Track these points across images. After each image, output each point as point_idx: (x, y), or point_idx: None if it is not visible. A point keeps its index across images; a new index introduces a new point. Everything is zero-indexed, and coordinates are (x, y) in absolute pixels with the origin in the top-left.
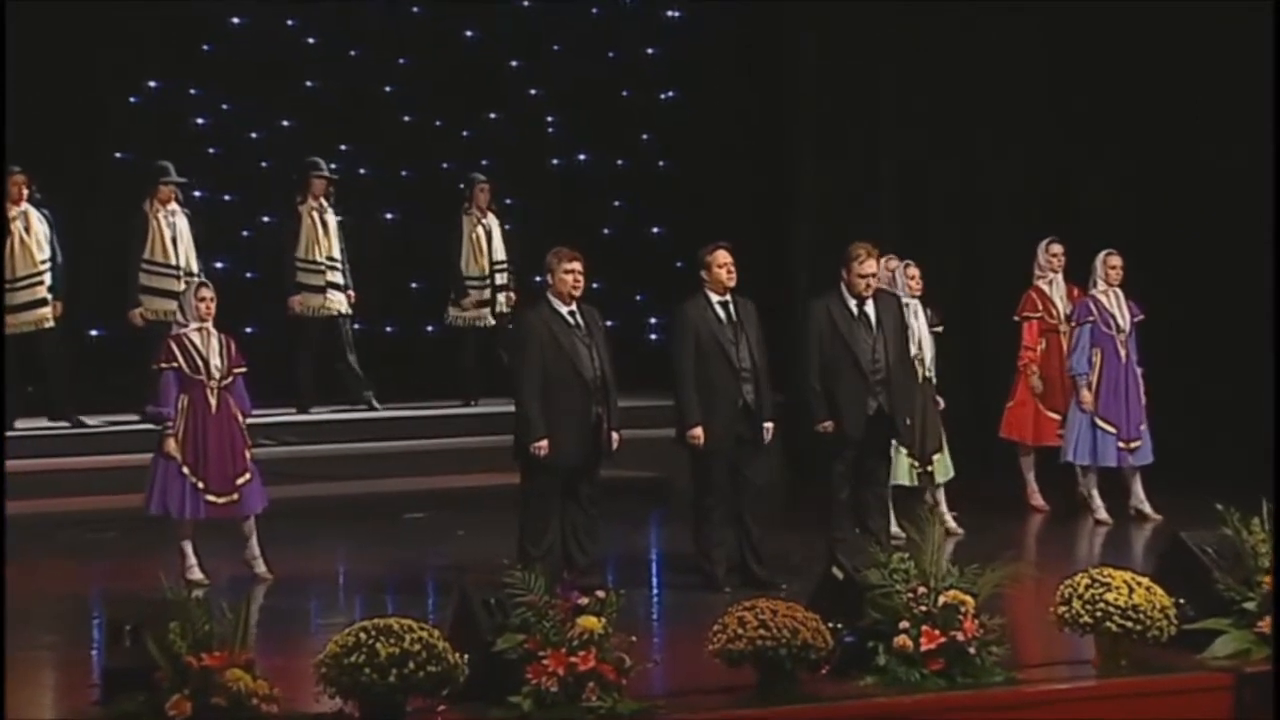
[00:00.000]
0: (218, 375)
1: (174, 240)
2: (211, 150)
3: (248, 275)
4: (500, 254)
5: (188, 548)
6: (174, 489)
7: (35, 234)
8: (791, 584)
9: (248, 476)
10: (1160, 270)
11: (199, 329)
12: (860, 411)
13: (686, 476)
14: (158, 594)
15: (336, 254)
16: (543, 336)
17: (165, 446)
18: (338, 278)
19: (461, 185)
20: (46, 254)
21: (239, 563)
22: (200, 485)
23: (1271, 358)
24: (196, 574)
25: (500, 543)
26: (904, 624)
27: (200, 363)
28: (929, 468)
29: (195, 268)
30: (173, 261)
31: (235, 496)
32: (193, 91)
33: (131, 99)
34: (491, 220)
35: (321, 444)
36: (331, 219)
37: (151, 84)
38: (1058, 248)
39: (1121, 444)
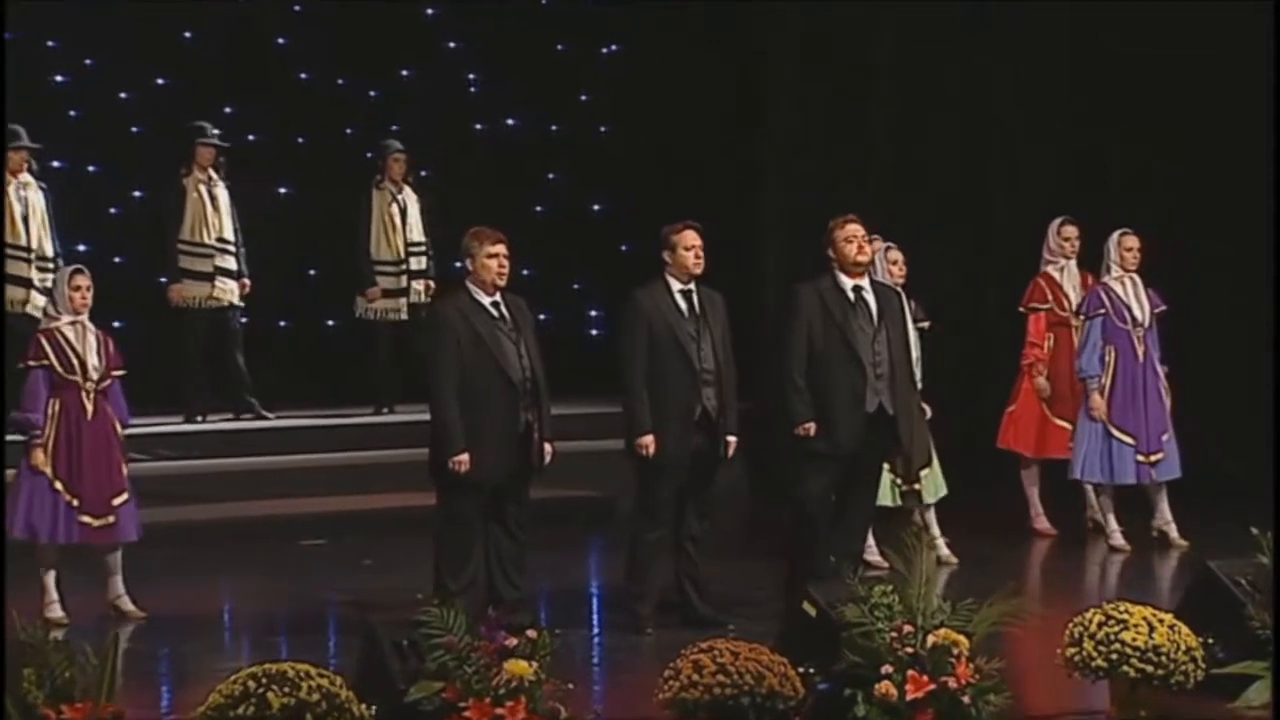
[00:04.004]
0: (95, 376)
1: (25, 218)
2: (73, 113)
3: (116, 260)
4: (417, 234)
5: (49, 580)
6: (43, 508)
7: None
8: (754, 623)
9: (125, 497)
10: (1196, 256)
11: (73, 323)
12: (858, 415)
13: (632, 495)
14: (10, 635)
15: (229, 235)
16: (461, 331)
17: (32, 458)
18: (229, 263)
19: (370, 154)
20: None
21: (101, 605)
22: (74, 504)
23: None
24: (57, 611)
25: (414, 574)
26: (887, 668)
27: (75, 361)
28: (915, 485)
29: (50, 250)
30: (23, 242)
31: (111, 519)
32: (50, 44)
33: None
34: (408, 195)
35: (204, 459)
36: (223, 194)
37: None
38: (1071, 230)
39: (1141, 457)
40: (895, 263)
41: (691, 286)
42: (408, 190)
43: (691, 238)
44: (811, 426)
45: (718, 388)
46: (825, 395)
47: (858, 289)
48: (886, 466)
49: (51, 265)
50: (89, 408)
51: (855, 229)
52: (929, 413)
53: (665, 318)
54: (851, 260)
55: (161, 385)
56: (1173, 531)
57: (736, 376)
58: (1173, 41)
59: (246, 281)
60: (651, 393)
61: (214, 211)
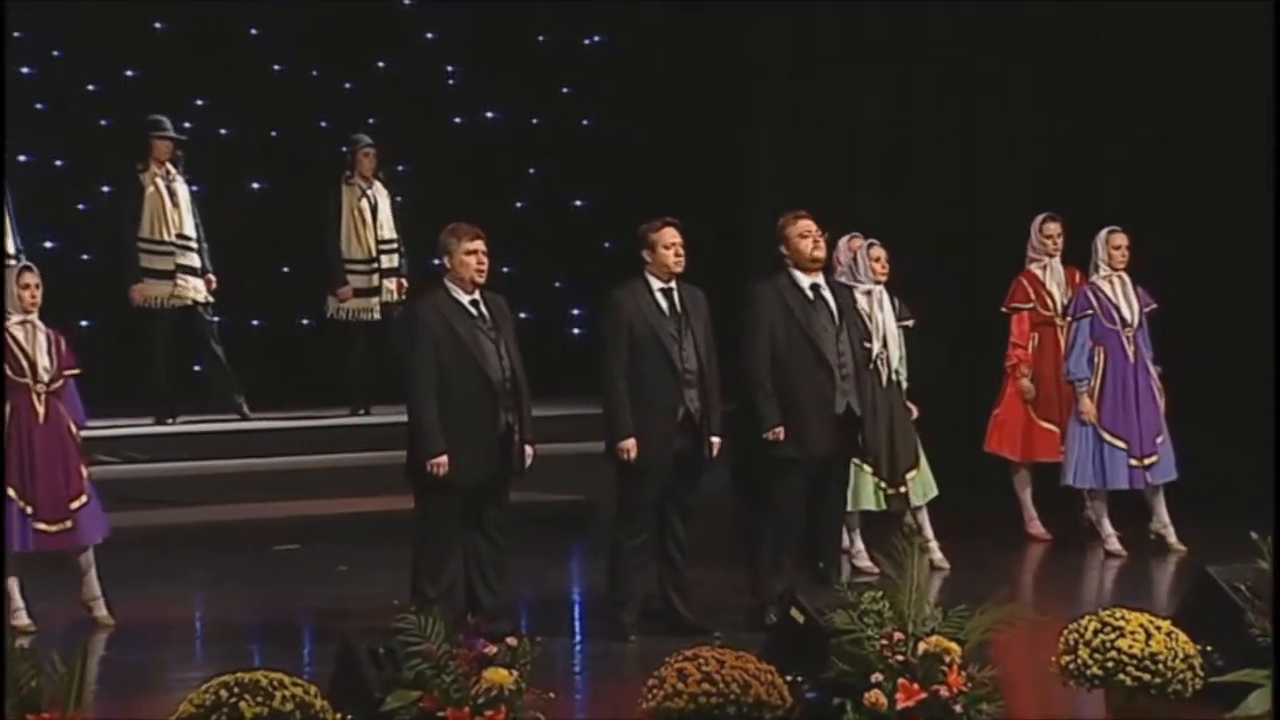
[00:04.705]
0: (46, 378)
1: None
2: (40, 106)
3: (83, 257)
4: (388, 231)
5: (12, 586)
6: None
7: None
8: (739, 630)
9: (84, 499)
10: (1196, 254)
11: (22, 322)
12: (827, 417)
13: (614, 500)
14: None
15: (190, 231)
16: (439, 330)
17: None
18: (191, 260)
19: (344, 149)
20: None
21: (74, 604)
22: (29, 510)
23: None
24: (23, 619)
25: (390, 580)
26: (877, 677)
27: (25, 363)
28: (901, 489)
29: (12, 247)
30: None
31: (69, 524)
32: (17, 35)
33: None
34: (378, 190)
35: (175, 461)
36: (182, 189)
37: None
38: (1054, 226)
39: (1134, 461)
40: (878, 259)
41: (673, 285)
42: (378, 185)
43: (671, 235)
44: (780, 431)
45: (700, 388)
46: (793, 398)
47: (815, 287)
48: (870, 470)
49: (14, 262)
50: (41, 410)
51: (808, 224)
52: (915, 412)
53: (646, 318)
54: (809, 257)
55: (131, 386)
56: (1170, 535)
57: (720, 377)
58: (1169, 36)
59: (211, 278)
60: (633, 394)
61: (173, 208)
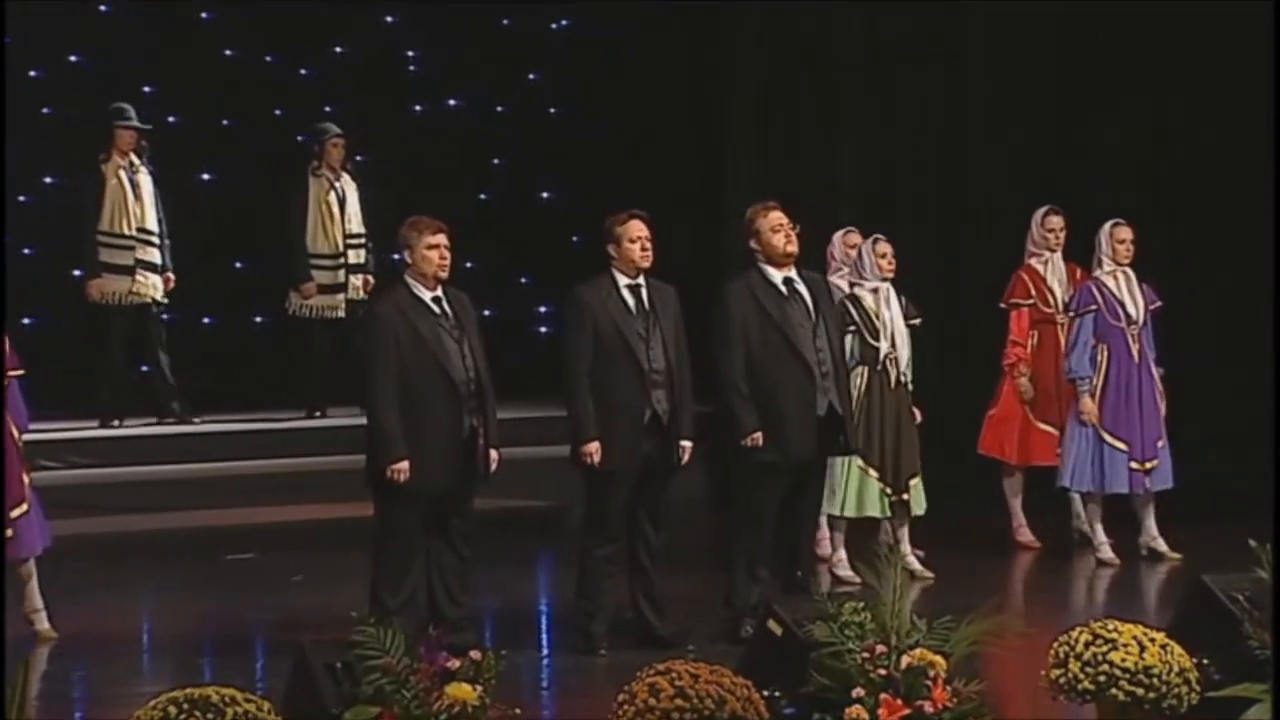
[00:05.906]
0: None
1: None
2: None
3: (25, 251)
4: (356, 225)
5: None
6: None
7: None
8: (714, 642)
9: (24, 508)
10: (1188, 251)
11: None
12: (809, 419)
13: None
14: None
15: (151, 225)
16: (399, 329)
17: None
18: (152, 255)
19: (301, 138)
20: None
21: (15, 618)
22: None
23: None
24: None
25: (348, 591)
26: (858, 691)
27: None
28: (904, 495)
29: None
30: None
31: (9, 534)
32: None
33: None
34: (346, 183)
35: (122, 466)
36: (146, 181)
37: None
38: (1056, 220)
39: (1135, 465)
40: (884, 256)
41: (640, 281)
42: (346, 178)
43: (637, 229)
44: (759, 436)
45: (669, 389)
46: (772, 400)
47: (788, 281)
48: (875, 474)
49: None
50: None
51: (780, 217)
52: (919, 416)
53: (611, 315)
54: (782, 252)
55: (75, 387)
56: (1161, 545)
57: (691, 377)
58: (1168, 34)
59: (170, 276)
60: (597, 396)
61: (135, 200)
